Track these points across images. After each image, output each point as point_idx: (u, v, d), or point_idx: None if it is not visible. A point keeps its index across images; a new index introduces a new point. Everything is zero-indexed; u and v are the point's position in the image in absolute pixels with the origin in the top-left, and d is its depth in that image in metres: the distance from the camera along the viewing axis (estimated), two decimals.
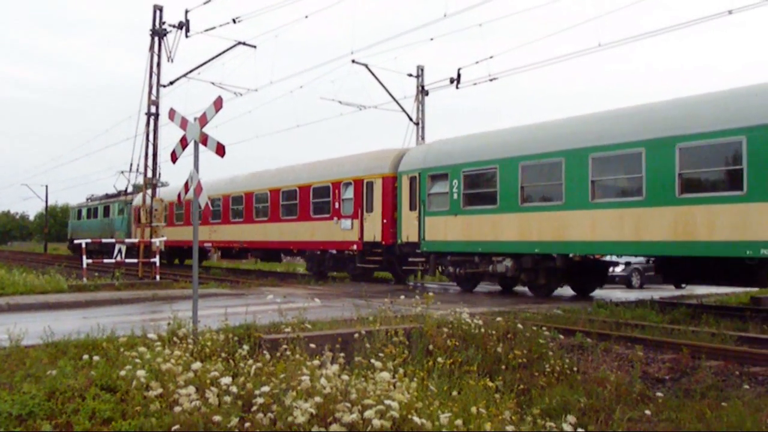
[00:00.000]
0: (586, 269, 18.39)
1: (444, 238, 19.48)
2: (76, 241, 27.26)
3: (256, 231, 28.22)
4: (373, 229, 21.96)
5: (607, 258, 19.05)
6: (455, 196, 19.08)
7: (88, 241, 25.24)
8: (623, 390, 8.11)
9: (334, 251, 24.27)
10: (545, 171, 16.80)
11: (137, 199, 34.17)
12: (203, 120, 8.88)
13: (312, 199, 24.87)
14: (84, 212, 48.57)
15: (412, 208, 20.73)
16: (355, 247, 22.64)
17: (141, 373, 6.10)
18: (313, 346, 7.69)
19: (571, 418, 5.37)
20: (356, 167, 23.20)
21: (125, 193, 41.60)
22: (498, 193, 17.86)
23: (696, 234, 13.56)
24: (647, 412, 7.25)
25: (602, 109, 16.88)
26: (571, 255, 16.53)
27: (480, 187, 18.68)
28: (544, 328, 10.38)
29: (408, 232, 20.83)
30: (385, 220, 21.61)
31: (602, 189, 15.61)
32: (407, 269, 22.22)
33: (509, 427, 5.21)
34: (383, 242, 21.66)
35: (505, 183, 17.66)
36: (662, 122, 14.40)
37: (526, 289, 19.26)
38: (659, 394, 8.07)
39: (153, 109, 25.08)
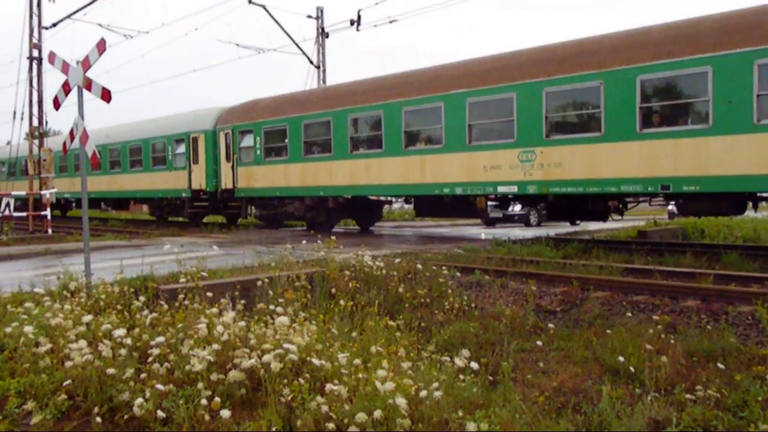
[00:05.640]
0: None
1: None
2: None
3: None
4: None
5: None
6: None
7: None
8: (517, 323, 8.46)
9: None
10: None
11: None
12: (86, 63, 8.40)
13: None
14: None
15: None
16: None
17: (29, 329, 5.86)
18: (211, 295, 7.58)
19: (465, 352, 5.56)
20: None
21: None
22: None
23: None
24: (539, 342, 7.60)
25: None
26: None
27: None
28: (443, 268, 10.64)
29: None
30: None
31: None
32: None
33: (405, 363, 5.35)
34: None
35: None
36: None
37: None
38: (551, 325, 8.47)
39: (36, 54, 23.59)
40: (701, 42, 12.55)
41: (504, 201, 18.86)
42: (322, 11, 30.05)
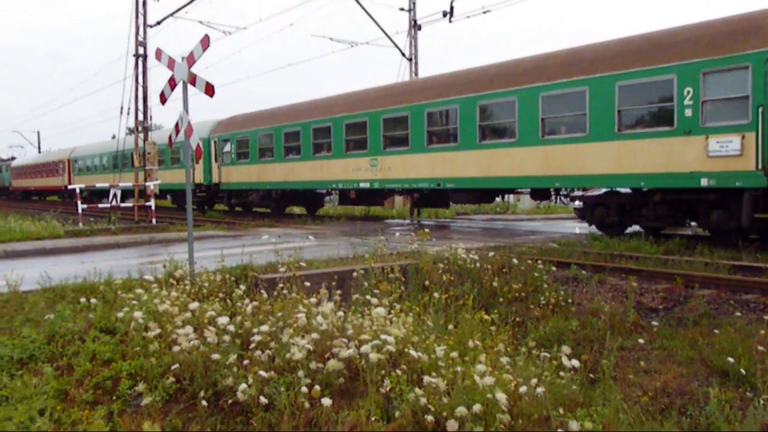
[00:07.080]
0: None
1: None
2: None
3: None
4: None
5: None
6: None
7: (82, 186, 25.15)
8: (617, 320, 8.21)
9: None
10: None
11: (14, 163, 63.91)
12: (191, 59, 8.71)
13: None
14: None
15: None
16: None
17: (138, 314, 6.14)
18: (309, 284, 7.73)
19: (566, 348, 5.44)
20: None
21: (11, 158, 70.71)
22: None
23: None
24: (640, 340, 7.35)
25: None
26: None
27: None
28: (539, 262, 10.45)
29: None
30: None
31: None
32: None
33: (504, 358, 5.29)
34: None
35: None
36: None
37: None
38: (653, 323, 8.17)
39: (141, 51, 24.65)
40: (454, 88, 18.34)
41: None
42: (414, 3, 29.99)
